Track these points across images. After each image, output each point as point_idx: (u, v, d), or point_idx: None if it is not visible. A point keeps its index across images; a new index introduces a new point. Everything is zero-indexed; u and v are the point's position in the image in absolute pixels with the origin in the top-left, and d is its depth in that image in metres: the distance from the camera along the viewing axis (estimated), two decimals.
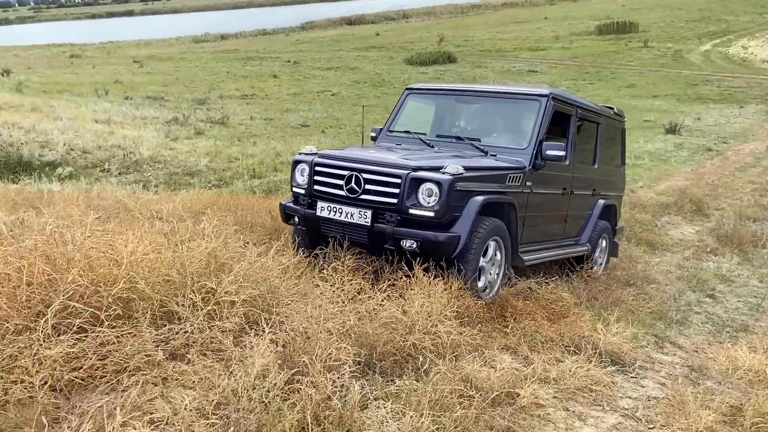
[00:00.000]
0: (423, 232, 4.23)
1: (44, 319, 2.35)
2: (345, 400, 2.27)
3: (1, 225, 3.33)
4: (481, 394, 2.76)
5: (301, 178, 4.88)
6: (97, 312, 2.52)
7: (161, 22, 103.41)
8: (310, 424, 2.05)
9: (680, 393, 3.20)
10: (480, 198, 4.42)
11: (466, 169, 4.39)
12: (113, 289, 2.59)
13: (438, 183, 4.23)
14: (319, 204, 4.66)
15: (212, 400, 2.12)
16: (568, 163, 5.68)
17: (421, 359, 2.92)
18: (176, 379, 2.24)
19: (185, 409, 2.00)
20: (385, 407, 2.35)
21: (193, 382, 2.26)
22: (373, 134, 6.15)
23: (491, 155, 5.16)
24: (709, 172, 14.68)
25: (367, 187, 4.46)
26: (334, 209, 4.55)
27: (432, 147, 5.43)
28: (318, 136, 17.76)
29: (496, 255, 4.70)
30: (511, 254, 4.83)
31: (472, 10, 77.32)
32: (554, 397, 3.05)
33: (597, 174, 6.55)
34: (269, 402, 2.07)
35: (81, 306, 2.48)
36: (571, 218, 6.16)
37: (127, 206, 5.88)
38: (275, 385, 2.10)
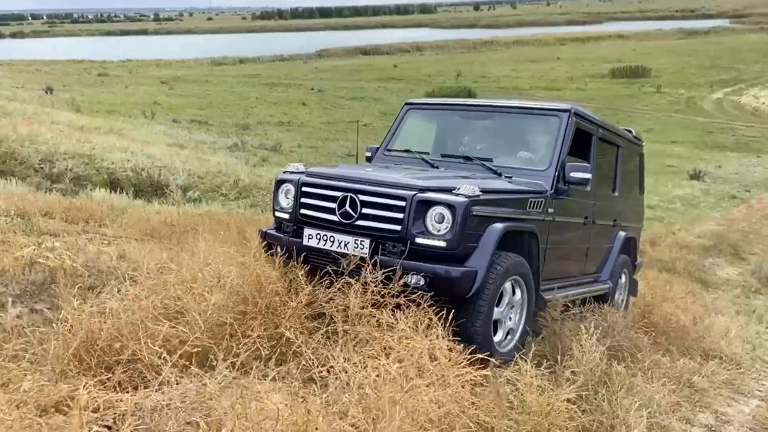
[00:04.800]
0: (433, 265, 3.64)
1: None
2: None
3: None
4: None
5: (286, 201, 4.23)
6: None
7: (175, 43, 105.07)
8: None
9: None
10: (500, 225, 3.84)
11: (483, 191, 3.82)
12: None
13: (451, 206, 3.65)
14: (307, 231, 4.02)
15: None
16: (589, 188, 5.03)
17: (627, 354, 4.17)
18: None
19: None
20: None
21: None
22: (368, 153, 5.46)
23: (506, 177, 4.55)
24: (737, 219, 15.91)
25: (365, 210, 3.85)
26: (325, 237, 3.92)
27: (436, 168, 4.84)
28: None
29: (515, 297, 4.13)
30: (534, 294, 4.25)
31: (484, 45, 79.38)
32: (709, 387, 4.29)
33: (617, 202, 6.03)
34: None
35: None
36: (592, 252, 5.57)
37: None
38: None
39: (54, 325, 2.75)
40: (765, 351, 6.11)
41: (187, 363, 2.69)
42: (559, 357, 3.45)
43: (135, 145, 13.18)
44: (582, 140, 5.11)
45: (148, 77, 51.66)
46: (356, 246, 3.81)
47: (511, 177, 4.55)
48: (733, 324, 7.18)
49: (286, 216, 4.21)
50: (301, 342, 2.88)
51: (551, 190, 4.54)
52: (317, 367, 2.64)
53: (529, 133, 5.14)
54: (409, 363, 2.47)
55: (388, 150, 5.37)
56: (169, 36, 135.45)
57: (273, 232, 4.35)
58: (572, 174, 4.56)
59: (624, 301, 6.30)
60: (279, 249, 4.07)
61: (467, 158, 4.91)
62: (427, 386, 2.25)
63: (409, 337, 2.67)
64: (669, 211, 15.80)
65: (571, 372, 3.19)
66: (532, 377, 2.85)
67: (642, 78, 46.36)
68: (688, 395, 3.96)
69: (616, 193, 5.99)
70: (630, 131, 6.56)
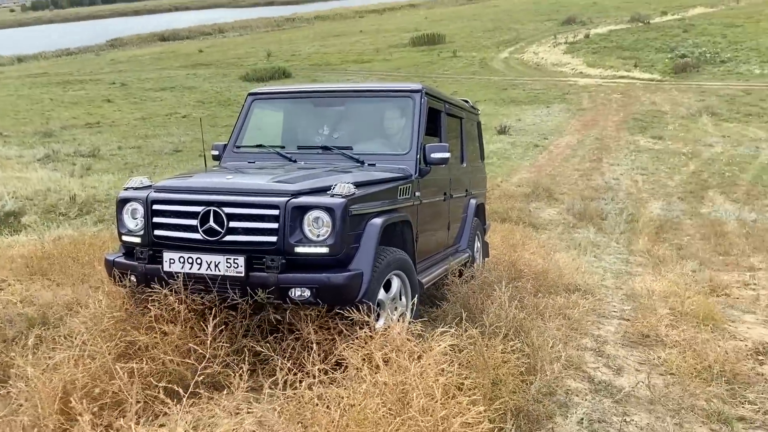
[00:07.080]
0: (317, 275, 3.40)
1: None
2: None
3: None
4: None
5: (133, 222, 3.76)
6: None
7: None
8: None
9: (638, 305, 5.55)
10: (379, 221, 3.74)
11: (357, 185, 3.69)
12: None
13: (329, 209, 3.46)
14: (167, 255, 3.57)
15: None
16: (444, 165, 4.95)
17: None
18: None
19: None
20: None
21: None
22: (215, 152, 5.07)
23: (369, 165, 4.47)
24: (543, 165, 18.06)
25: (233, 224, 3.51)
26: (190, 260, 3.50)
27: (294, 161, 4.64)
28: (199, 161, 18.51)
29: (394, 291, 3.97)
30: (416, 282, 4.20)
31: (287, 23, 79.10)
32: (580, 317, 5.18)
33: (466, 173, 6.23)
34: None
35: None
36: (452, 224, 5.75)
37: None
38: None
39: (13, 385, 2.69)
40: (601, 278, 7.32)
41: (162, 393, 2.80)
42: (484, 316, 4.04)
43: None
44: (432, 117, 5.15)
45: None
46: (229, 265, 3.45)
47: (374, 164, 4.48)
48: (568, 258, 8.42)
49: (137, 240, 3.73)
50: (268, 350, 3.10)
51: (416, 173, 4.51)
52: (293, 373, 2.89)
53: (385, 116, 5.07)
54: (381, 352, 2.84)
55: (238, 147, 5.06)
56: None
57: (122, 259, 3.82)
58: (433, 154, 4.54)
59: (481, 264, 6.46)
60: (134, 279, 3.65)
61: (326, 148, 4.75)
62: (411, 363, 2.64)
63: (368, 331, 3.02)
64: (488, 165, 17.40)
65: (496, 327, 3.78)
66: (481, 338, 3.34)
67: (439, 44, 49.35)
68: (570, 326, 4.81)
69: (465, 164, 6.21)
70: (467, 101, 6.85)
